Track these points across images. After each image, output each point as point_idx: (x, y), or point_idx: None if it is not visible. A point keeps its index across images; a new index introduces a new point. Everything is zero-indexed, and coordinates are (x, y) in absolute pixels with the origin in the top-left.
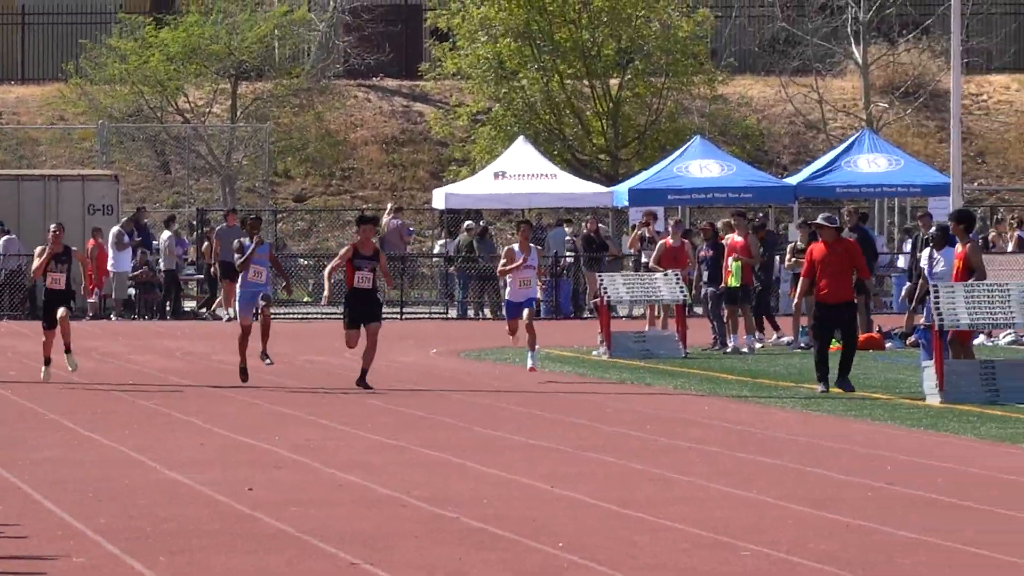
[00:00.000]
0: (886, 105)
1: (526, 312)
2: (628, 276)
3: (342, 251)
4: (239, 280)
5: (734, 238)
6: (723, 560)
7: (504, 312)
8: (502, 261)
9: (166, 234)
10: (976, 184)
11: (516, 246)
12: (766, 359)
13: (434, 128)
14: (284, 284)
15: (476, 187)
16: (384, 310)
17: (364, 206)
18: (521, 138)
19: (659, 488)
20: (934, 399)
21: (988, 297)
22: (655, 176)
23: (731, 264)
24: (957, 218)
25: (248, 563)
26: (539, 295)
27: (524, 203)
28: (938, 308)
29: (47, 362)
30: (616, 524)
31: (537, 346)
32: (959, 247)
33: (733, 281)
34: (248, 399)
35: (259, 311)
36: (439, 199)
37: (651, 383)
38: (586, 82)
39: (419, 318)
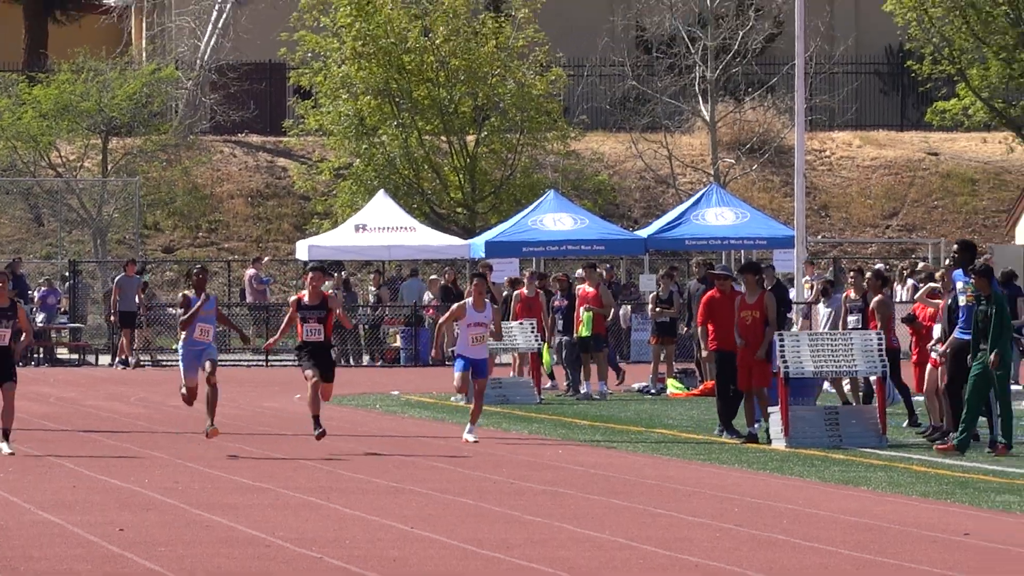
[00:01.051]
0: (732, 161)
1: (478, 382)
2: None
3: (291, 306)
4: (182, 338)
5: (585, 288)
6: None
7: (454, 365)
8: (445, 316)
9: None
10: (820, 236)
11: (470, 301)
12: (617, 405)
13: (297, 182)
14: (239, 335)
15: (338, 239)
16: (248, 357)
17: (230, 257)
18: (381, 192)
19: (513, 529)
20: (780, 444)
21: (831, 346)
22: (511, 229)
23: (583, 314)
24: (742, 269)
25: None
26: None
27: (384, 255)
28: (783, 356)
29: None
30: (472, 563)
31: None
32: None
33: (584, 330)
34: (117, 443)
35: (207, 378)
36: (302, 251)
37: (507, 428)
38: (444, 138)
39: (285, 365)
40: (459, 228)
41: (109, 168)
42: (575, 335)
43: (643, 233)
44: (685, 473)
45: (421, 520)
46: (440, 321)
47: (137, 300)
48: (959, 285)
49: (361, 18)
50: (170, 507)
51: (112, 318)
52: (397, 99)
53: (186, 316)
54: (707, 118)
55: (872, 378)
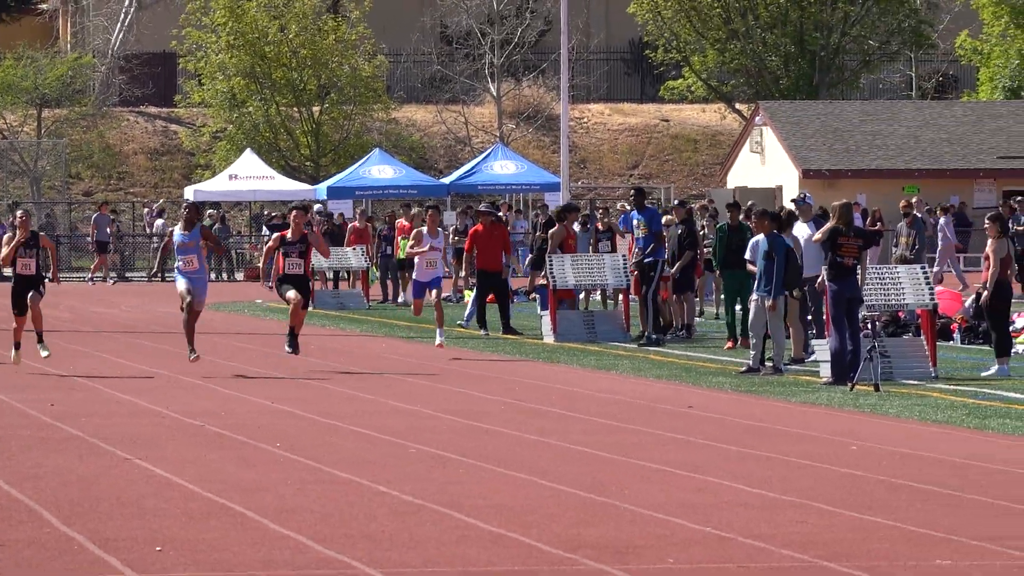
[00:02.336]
0: (514, 126)
1: (434, 292)
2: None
3: (271, 239)
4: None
5: (402, 222)
6: (393, 453)
7: (412, 291)
8: (410, 243)
9: None
10: (579, 183)
11: (424, 229)
12: (428, 310)
13: (185, 142)
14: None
15: (216, 186)
16: (144, 275)
17: (134, 199)
18: (248, 150)
19: (349, 403)
20: (550, 339)
21: (588, 265)
22: (346, 177)
23: (400, 241)
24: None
25: (51, 460)
26: (443, 275)
27: (251, 197)
28: (552, 272)
29: (17, 346)
30: (320, 430)
31: (444, 324)
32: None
33: (401, 253)
34: (51, 340)
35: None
36: (189, 194)
37: (343, 327)
38: (295, 109)
39: (170, 281)
40: (307, 177)
41: (42, 132)
42: (395, 257)
43: (446, 180)
44: (478, 361)
45: (283, 399)
46: (408, 252)
47: (108, 232)
48: (634, 221)
49: (233, 19)
50: (91, 388)
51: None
52: (260, 80)
53: (160, 247)
54: (494, 94)
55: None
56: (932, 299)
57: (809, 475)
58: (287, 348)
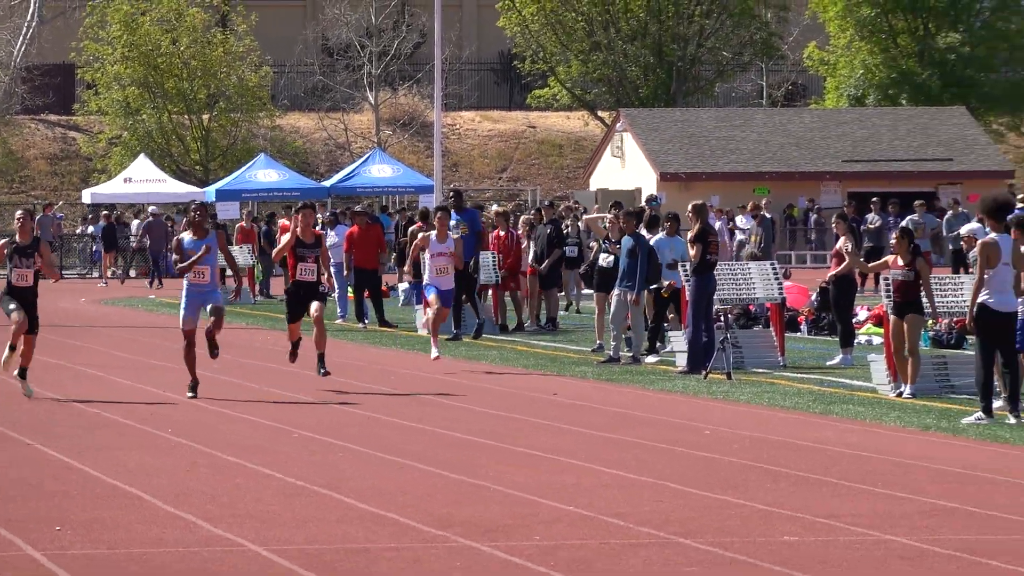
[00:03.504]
0: (390, 132)
1: (441, 305)
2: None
3: (284, 241)
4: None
5: (284, 223)
6: (278, 439)
7: (426, 292)
8: (415, 246)
9: None
10: (452, 185)
11: (434, 234)
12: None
13: (83, 148)
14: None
15: (112, 188)
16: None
17: (35, 201)
18: (142, 155)
19: (237, 390)
20: (423, 332)
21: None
22: (233, 181)
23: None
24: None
25: None
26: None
27: (144, 199)
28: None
29: (12, 348)
30: (208, 416)
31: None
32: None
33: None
34: None
35: (207, 330)
36: (87, 197)
37: (229, 321)
38: (186, 117)
39: (70, 279)
40: (197, 180)
41: None
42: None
43: (327, 183)
44: (357, 352)
45: (173, 386)
46: (410, 252)
47: (52, 231)
48: (452, 222)
49: (127, 32)
50: None
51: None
52: (153, 89)
53: (184, 265)
54: (372, 102)
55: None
56: (781, 293)
57: (665, 458)
58: (320, 371)
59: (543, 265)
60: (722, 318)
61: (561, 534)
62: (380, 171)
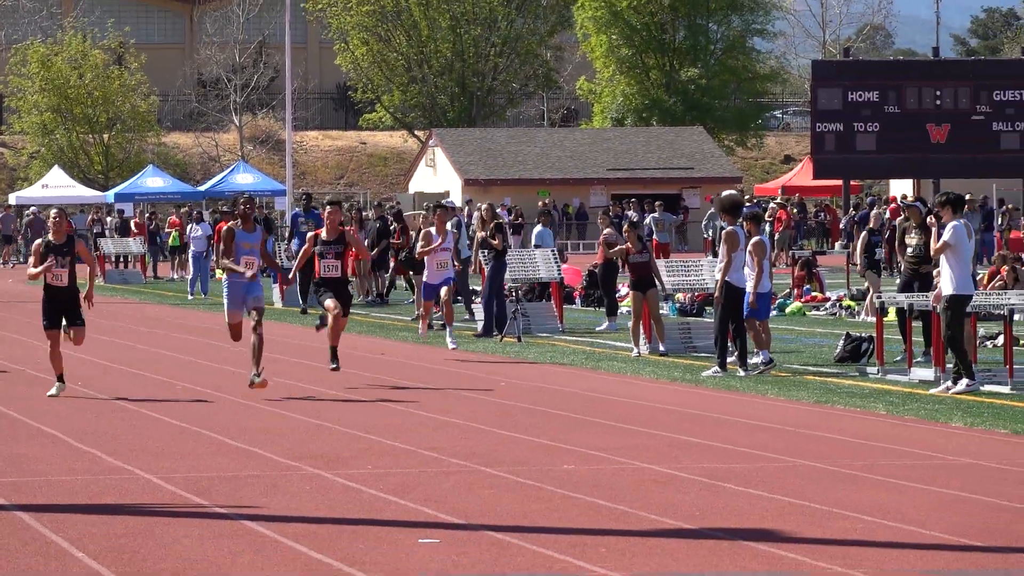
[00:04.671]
0: (251, 148)
1: (443, 290)
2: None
3: (305, 244)
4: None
5: (172, 218)
6: (162, 392)
7: (422, 294)
8: (420, 243)
9: None
10: (300, 190)
11: (433, 229)
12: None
13: (9, 160)
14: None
15: (33, 193)
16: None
17: None
18: (56, 166)
19: (129, 351)
20: (279, 304)
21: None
22: (128, 186)
23: (173, 233)
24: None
25: None
26: (454, 275)
27: (59, 201)
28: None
29: (59, 378)
30: (107, 372)
31: (454, 323)
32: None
33: (173, 242)
34: None
35: (253, 327)
36: (13, 199)
37: (127, 297)
38: (91, 136)
39: None
40: (99, 186)
41: None
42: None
43: (202, 188)
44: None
45: (85, 350)
46: (419, 251)
47: (12, 227)
48: (300, 219)
49: (44, 69)
50: None
51: None
52: (64, 114)
53: (224, 250)
54: (237, 124)
55: None
56: (559, 273)
57: (469, 403)
58: (332, 365)
59: (373, 252)
60: (514, 293)
61: (389, 464)
62: (243, 178)
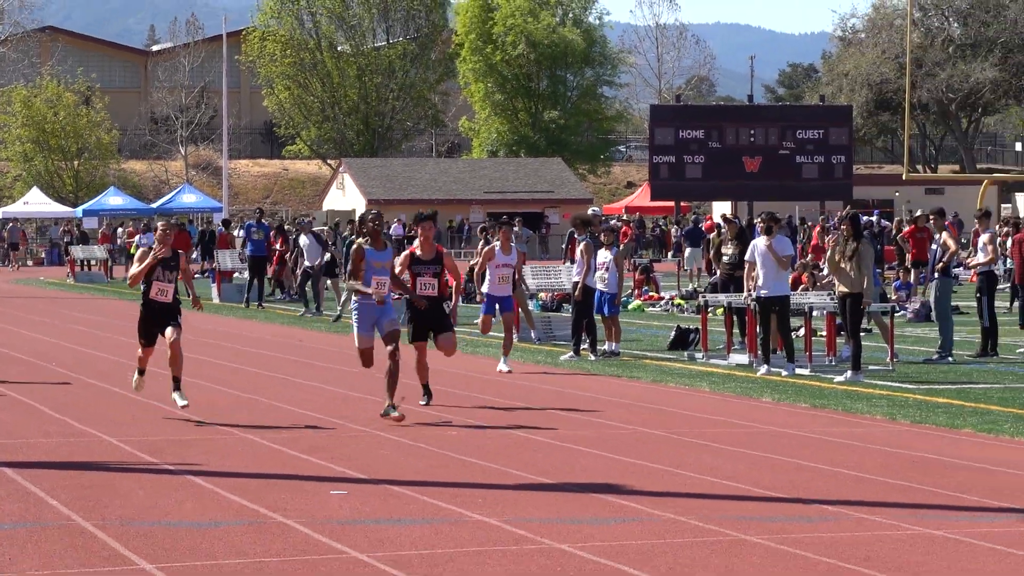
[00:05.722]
0: (195, 173)
1: (505, 315)
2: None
3: (400, 258)
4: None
5: (130, 229)
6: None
7: (484, 306)
8: (481, 259)
9: None
10: (233, 207)
11: (498, 245)
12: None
13: None
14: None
15: (16, 209)
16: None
17: None
18: (35, 187)
19: (69, 335)
20: (216, 300)
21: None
22: (94, 204)
23: (132, 244)
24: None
25: None
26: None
27: (38, 215)
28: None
29: (141, 372)
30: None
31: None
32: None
33: (132, 250)
34: None
35: (389, 353)
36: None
37: (92, 294)
38: (64, 163)
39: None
40: (70, 204)
41: None
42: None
43: (154, 205)
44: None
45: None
46: (476, 268)
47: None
48: (251, 230)
49: (25, 108)
50: None
51: None
52: (42, 144)
53: (352, 270)
54: (183, 154)
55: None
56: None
57: (369, 379)
58: (422, 402)
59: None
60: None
61: (304, 429)
62: (188, 198)
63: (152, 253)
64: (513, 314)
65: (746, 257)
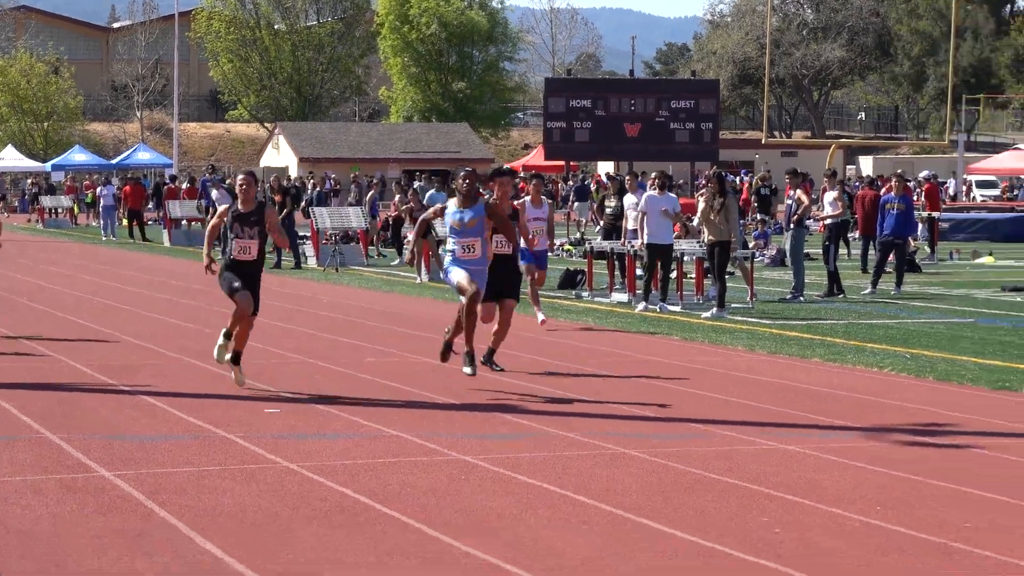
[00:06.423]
0: (149, 133)
1: (537, 274)
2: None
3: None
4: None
5: (87, 183)
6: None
7: (521, 258)
8: (520, 217)
9: None
10: (209, 163)
11: (528, 199)
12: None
13: None
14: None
15: None
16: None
17: None
18: (10, 145)
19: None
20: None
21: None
22: (61, 160)
23: (89, 194)
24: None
25: None
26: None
27: (13, 169)
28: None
29: (228, 335)
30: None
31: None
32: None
33: (88, 199)
34: None
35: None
36: None
37: (54, 238)
38: (35, 124)
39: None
40: (41, 160)
41: None
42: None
43: (114, 162)
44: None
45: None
46: (520, 223)
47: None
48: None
49: (2, 77)
50: None
51: None
52: (16, 108)
53: (419, 222)
54: (139, 117)
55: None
56: (366, 224)
57: (304, 316)
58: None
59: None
60: (332, 237)
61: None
62: (143, 155)
63: (225, 208)
64: (544, 271)
65: (640, 208)
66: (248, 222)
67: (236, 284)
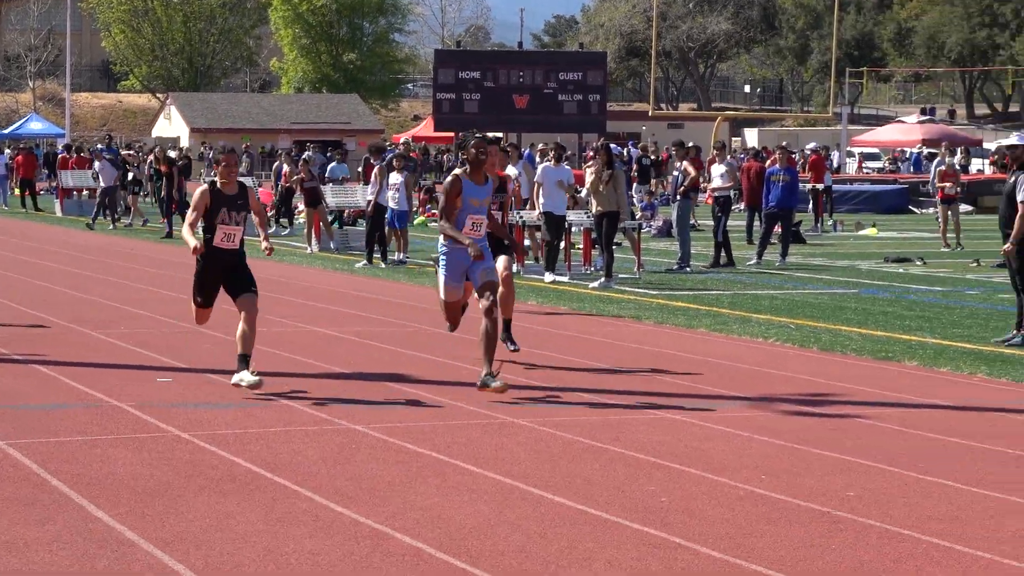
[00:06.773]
0: (42, 104)
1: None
2: None
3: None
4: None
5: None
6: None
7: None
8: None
9: None
10: (75, 134)
11: (551, 165)
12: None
13: None
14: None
15: None
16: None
17: None
18: None
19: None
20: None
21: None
22: (12, 130)
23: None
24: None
25: None
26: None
27: None
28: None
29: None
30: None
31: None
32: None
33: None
34: None
35: (486, 309)
36: None
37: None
38: None
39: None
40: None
41: None
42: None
43: (5, 132)
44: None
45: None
46: (532, 194)
47: None
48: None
49: None
50: None
51: None
52: None
53: (445, 208)
54: (32, 87)
55: None
56: (257, 195)
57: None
58: (510, 346)
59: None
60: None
61: (137, 327)
62: (35, 125)
63: (205, 190)
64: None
65: (536, 179)
66: (235, 206)
67: (199, 299)
